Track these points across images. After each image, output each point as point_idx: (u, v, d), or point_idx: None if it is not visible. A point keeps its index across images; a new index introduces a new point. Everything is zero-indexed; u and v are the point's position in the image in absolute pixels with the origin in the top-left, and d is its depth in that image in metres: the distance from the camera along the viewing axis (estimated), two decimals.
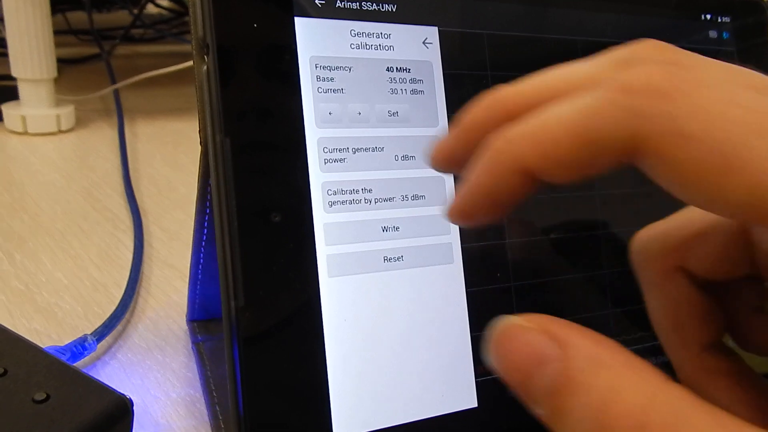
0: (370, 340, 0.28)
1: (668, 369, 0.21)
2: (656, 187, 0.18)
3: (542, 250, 0.33)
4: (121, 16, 1.41)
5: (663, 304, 0.24)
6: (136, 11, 1.36)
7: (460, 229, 0.31)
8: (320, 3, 0.29)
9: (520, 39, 0.34)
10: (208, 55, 0.27)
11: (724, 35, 0.40)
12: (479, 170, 0.19)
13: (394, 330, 0.29)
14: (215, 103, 0.27)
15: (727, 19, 0.40)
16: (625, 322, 0.34)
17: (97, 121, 0.83)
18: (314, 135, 0.28)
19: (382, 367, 0.28)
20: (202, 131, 0.28)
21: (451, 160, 0.22)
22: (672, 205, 0.22)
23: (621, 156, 0.18)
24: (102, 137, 0.77)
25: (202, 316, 0.39)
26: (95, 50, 1.13)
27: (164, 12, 1.46)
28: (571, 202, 0.34)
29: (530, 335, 0.18)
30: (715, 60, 0.19)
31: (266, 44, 0.28)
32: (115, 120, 0.81)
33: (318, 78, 0.29)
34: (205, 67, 0.27)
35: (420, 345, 0.29)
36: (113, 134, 0.77)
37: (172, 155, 0.72)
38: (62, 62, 1.08)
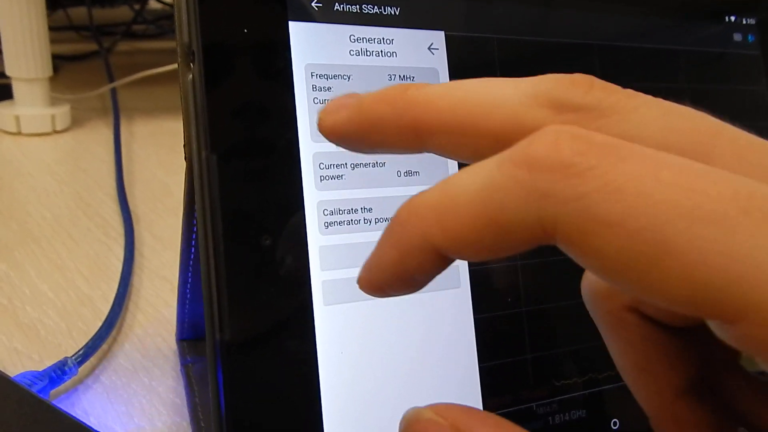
0: (369, 374, 0.26)
1: None
2: None
3: (556, 273, 0.30)
4: (123, 12, 1.39)
5: (621, 347, 0.21)
6: (137, 7, 1.34)
7: None
8: (317, 6, 0.27)
9: (531, 43, 0.31)
10: (193, 62, 0.25)
11: (750, 38, 0.38)
12: (385, 242, 0.18)
13: (396, 362, 0.26)
14: (201, 115, 0.24)
15: (752, 21, 0.38)
16: None
17: (93, 120, 0.81)
18: (309, 150, 0.26)
19: (382, 403, 0.26)
20: (187, 145, 0.25)
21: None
22: None
23: (533, 239, 0.15)
24: (98, 137, 0.75)
25: (192, 335, 0.37)
26: (95, 47, 1.11)
27: (167, 7, 1.44)
28: None
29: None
30: (652, 104, 0.17)
31: (258, 51, 0.25)
32: (112, 119, 0.79)
33: (314, 87, 0.26)
34: (190, 76, 0.25)
35: (424, 378, 0.27)
36: (109, 134, 0.75)
37: (168, 157, 0.70)
38: (62, 59, 1.06)
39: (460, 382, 0.27)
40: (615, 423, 0.30)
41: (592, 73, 0.32)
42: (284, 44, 0.26)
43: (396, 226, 0.17)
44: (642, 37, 0.34)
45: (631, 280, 0.14)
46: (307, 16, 0.27)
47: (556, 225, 0.15)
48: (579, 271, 0.30)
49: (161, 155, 0.71)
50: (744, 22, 0.38)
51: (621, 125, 0.16)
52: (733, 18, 0.37)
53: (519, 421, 0.28)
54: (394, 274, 0.17)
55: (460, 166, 0.29)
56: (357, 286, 0.18)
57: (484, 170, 0.16)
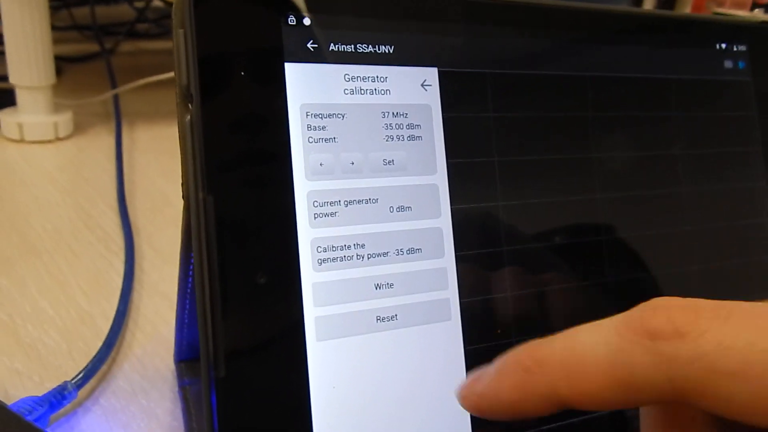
0: (361, 408, 0.27)
1: None
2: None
3: (546, 303, 0.31)
4: (126, 10, 1.40)
5: None
6: (140, 5, 1.34)
7: (459, 283, 0.29)
8: (312, 47, 0.27)
9: (525, 77, 0.32)
10: (191, 104, 0.25)
11: (740, 65, 0.38)
12: (505, 381, 0.20)
13: (388, 395, 0.27)
14: (198, 157, 0.25)
15: (743, 48, 0.39)
16: None
17: (96, 126, 0.81)
18: (304, 188, 0.27)
19: None
20: (185, 185, 0.26)
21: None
22: None
23: (661, 396, 0.18)
24: (100, 144, 0.75)
25: (190, 356, 0.38)
26: (99, 47, 1.11)
27: (170, 7, 1.44)
28: (577, 252, 0.32)
29: None
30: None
31: (254, 93, 0.26)
32: (114, 125, 0.79)
33: (309, 127, 0.27)
34: (188, 117, 0.25)
35: (415, 410, 0.28)
36: (112, 141, 0.75)
37: (169, 165, 0.70)
38: (65, 60, 1.07)
39: (451, 413, 0.28)
40: None
41: (585, 104, 0.33)
42: (280, 86, 0.27)
43: (520, 371, 0.20)
44: (634, 67, 0.35)
45: (757, 414, 0.17)
46: (302, 56, 0.27)
47: (686, 383, 0.17)
48: (566, 304, 0.31)
49: (162, 162, 0.71)
50: (735, 49, 0.38)
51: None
52: (723, 45, 0.38)
53: None
54: (510, 410, 0.20)
55: (452, 201, 0.29)
56: (458, 399, 0.21)
57: (602, 333, 0.19)
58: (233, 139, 0.26)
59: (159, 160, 0.72)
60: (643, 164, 0.34)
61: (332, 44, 0.28)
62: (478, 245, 0.30)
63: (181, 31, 0.25)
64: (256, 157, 0.26)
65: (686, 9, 1.08)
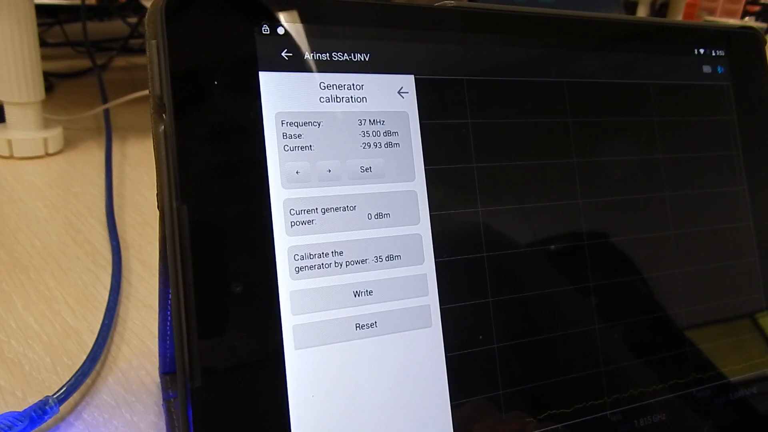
0: (340, 416, 0.27)
1: None
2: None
3: (528, 308, 0.31)
4: (119, 26, 1.40)
5: None
6: (133, 21, 1.34)
7: (439, 289, 0.29)
8: (287, 56, 0.27)
9: (501, 83, 0.32)
10: (165, 114, 0.25)
11: (719, 70, 0.38)
12: None
13: (367, 404, 0.27)
14: (172, 167, 0.25)
15: (721, 53, 0.39)
16: (622, 381, 0.32)
17: (87, 142, 0.81)
18: (280, 197, 0.27)
19: None
20: (159, 194, 0.26)
21: None
22: None
23: None
24: (90, 160, 0.75)
25: (174, 369, 0.38)
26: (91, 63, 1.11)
27: None
28: (558, 257, 0.32)
29: None
30: None
31: (228, 102, 0.26)
32: (104, 140, 0.80)
33: (284, 135, 0.27)
34: (162, 127, 0.25)
35: (396, 419, 0.27)
36: (102, 155, 0.75)
37: None
38: (57, 76, 1.07)
39: (432, 421, 0.28)
40: None
41: (563, 110, 0.33)
42: (255, 94, 0.27)
43: None
44: (611, 72, 0.35)
45: None
46: (277, 65, 0.27)
47: None
48: (548, 309, 0.31)
49: (153, 175, 0.71)
50: (713, 54, 0.38)
51: None
52: (702, 50, 0.38)
53: None
54: None
55: (431, 207, 0.29)
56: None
57: None
58: (207, 148, 0.26)
59: (150, 174, 0.72)
60: (623, 169, 0.34)
61: (307, 53, 0.28)
62: (458, 251, 0.30)
63: (153, 42, 0.25)
64: (231, 166, 0.26)
65: (678, 17, 1.09)
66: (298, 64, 0.28)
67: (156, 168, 0.26)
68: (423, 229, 0.29)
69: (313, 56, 0.28)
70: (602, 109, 0.34)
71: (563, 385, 0.31)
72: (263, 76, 0.27)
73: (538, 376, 0.31)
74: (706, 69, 0.38)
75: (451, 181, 0.30)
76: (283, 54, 0.27)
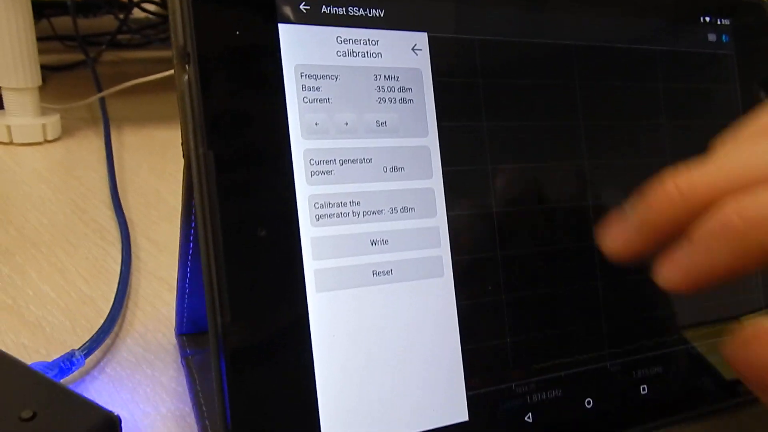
0: (359, 355, 0.28)
1: None
2: None
3: (536, 262, 0.32)
4: (107, 21, 1.40)
5: None
6: (122, 16, 1.34)
7: (451, 241, 0.30)
8: (305, 8, 0.28)
9: (512, 44, 0.33)
10: (189, 64, 0.26)
11: (724, 38, 0.40)
12: (715, 247, 0.19)
13: (384, 345, 0.28)
14: (197, 114, 0.26)
15: (726, 22, 0.40)
16: (622, 334, 0.33)
17: (83, 130, 0.82)
18: (300, 147, 0.28)
19: (371, 382, 0.28)
20: (185, 144, 0.27)
21: (632, 252, 0.22)
22: None
23: None
24: (89, 147, 0.76)
25: (191, 330, 0.39)
26: (81, 57, 1.11)
27: (151, 17, 1.45)
28: (568, 212, 0.33)
29: None
30: None
31: (249, 52, 0.27)
32: (102, 128, 0.80)
33: (303, 87, 0.28)
34: (186, 77, 0.26)
35: (410, 359, 0.28)
36: (100, 143, 0.76)
37: (159, 165, 0.71)
38: (48, 69, 1.07)
39: (444, 363, 0.29)
40: (589, 402, 0.32)
41: (571, 72, 0.34)
42: (274, 45, 0.28)
43: (732, 235, 0.19)
44: (619, 38, 0.36)
45: None
46: (295, 18, 0.28)
47: None
48: (557, 263, 0.32)
49: (152, 163, 0.72)
50: (719, 22, 0.39)
51: None
52: (707, 18, 0.39)
53: (499, 399, 0.30)
54: (713, 275, 0.19)
55: (444, 163, 0.30)
56: (662, 284, 0.21)
57: None
58: (230, 97, 0.27)
59: (149, 160, 0.73)
60: (629, 132, 0.35)
61: (324, 6, 0.29)
62: (469, 206, 0.31)
63: None
64: (253, 115, 0.27)
65: None
66: (315, 18, 0.28)
67: (180, 118, 0.27)
68: (435, 183, 0.30)
69: (329, 10, 0.29)
70: (608, 73, 0.35)
71: (566, 335, 0.32)
72: (282, 27, 0.28)
73: (542, 327, 0.32)
74: (711, 37, 0.39)
75: (463, 139, 0.31)
76: (301, 7, 0.28)
